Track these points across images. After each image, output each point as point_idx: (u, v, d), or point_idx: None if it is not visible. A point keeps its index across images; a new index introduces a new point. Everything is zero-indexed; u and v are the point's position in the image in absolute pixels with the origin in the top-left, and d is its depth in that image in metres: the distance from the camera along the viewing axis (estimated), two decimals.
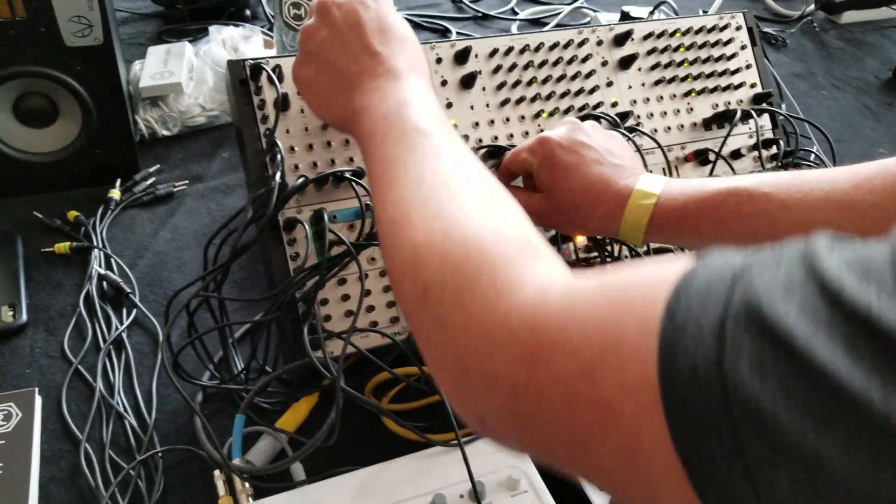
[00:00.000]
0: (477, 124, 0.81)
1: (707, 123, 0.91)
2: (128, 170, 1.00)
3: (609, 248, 0.78)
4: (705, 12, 1.59)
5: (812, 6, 1.71)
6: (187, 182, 1.01)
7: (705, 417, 0.26)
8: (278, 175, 0.68)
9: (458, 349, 0.39)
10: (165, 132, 1.07)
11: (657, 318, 0.29)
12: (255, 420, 0.72)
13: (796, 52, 1.60)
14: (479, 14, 1.53)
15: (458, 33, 1.44)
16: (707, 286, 0.29)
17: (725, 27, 0.94)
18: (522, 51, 0.84)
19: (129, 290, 0.85)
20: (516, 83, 0.83)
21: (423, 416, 0.74)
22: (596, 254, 0.81)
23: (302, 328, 0.69)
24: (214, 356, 0.77)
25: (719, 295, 0.28)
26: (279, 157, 0.70)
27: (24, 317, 0.82)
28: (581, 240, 0.80)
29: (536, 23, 1.55)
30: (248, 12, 1.37)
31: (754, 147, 0.92)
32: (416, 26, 1.47)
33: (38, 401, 0.73)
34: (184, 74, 1.08)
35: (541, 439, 0.36)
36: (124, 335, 0.81)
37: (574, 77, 0.85)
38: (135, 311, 0.84)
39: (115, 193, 0.97)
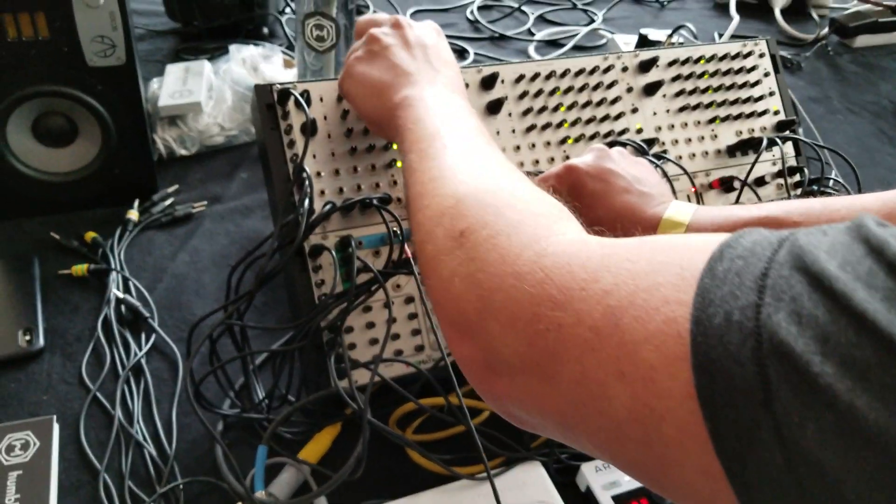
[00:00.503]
0: (503, 150, 0.80)
1: (731, 150, 0.91)
2: (146, 190, 0.99)
3: None
4: (721, 35, 1.60)
5: (826, 30, 1.71)
6: (206, 203, 1.01)
7: (734, 366, 0.26)
8: (306, 202, 0.67)
9: (483, 285, 0.39)
10: (184, 152, 1.07)
11: (697, 272, 0.29)
12: (277, 451, 0.71)
13: (811, 75, 1.59)
14: (496, 35, 1.53)
15: (475, 54, 1.44)
16: (752, 246, 0.29)
17: (749, 54, 0.94)
18: (548, 77, 0.83)
19: (147, 315, 0.84)
20: (542, 109, 0.82)
21: (448, 446, 0.73)
22: None
23: (327, 358, 0.68)
24: (235, 383, 0.76)
25: (763, 252, 0.28)
26: (307, 183, 0.69)
27: (41, 341, 0.80)
28: None
29: (553, 44, 1.55)
30: (265, 30, 1.37)
31: (778, 174, 0.92)
32: None
33: (56, 429, 0.71)
34: (203, 93, 1.08)
35: (547, 388, 0.35)
36: (143, 361, 0.80)
37: (599, 103, 0.85)
38: (154, 337, 0.82)
39: (134, 214, 0.96)
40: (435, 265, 0.44)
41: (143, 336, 0.83)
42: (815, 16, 1.81)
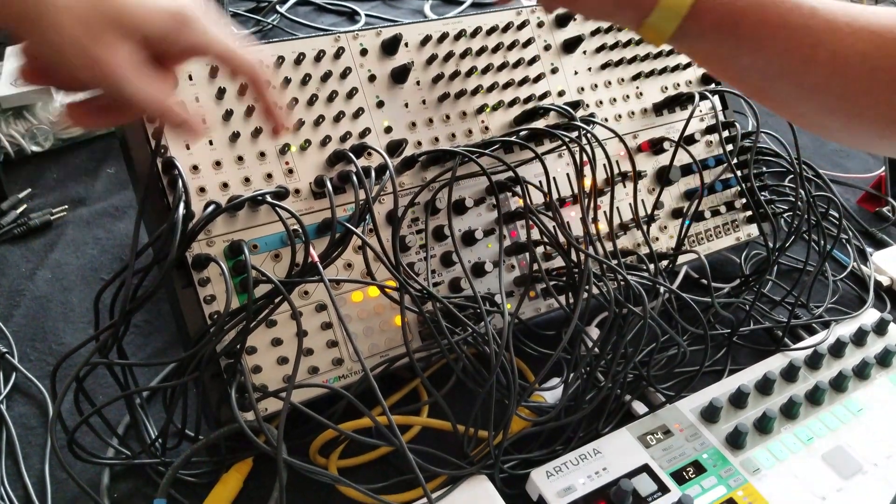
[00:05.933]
0: (413, 125, 0.70)
1: (658, 108, 0.84)
2: None
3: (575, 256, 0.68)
4: None
5: None
6: (66, 207, 0.86)
7: None
8: (181, 207, 0.55)
9: None
10: (35, 148, 0.91)
11: None
12: (178, 499, 0.60)
13: None
14: None
15: (367, 15, 1.32)
16: None
17: None
18: (458, 37, 0.73)
19: (5, 350, 0.70)
20: (454, 75, 0.72)
21: (381, 469, 0.65)
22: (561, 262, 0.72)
23: (227, 388, 0.57)
24: (121, 422, 0.64)
25: None
26: (180, 182, 0.56)
27: None
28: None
29: (451, 1, 1.43)
30: None
31: (707, 131, 0.86)
32: (320, 9, 1.34)
33: None
34: None
35: None
36: (3, 407, 0.66)
37: (516, 65, 0.75)
38: (14, 376, 0.69)
39: None
40: None
41: (2, 376, 0.69)
42: None
